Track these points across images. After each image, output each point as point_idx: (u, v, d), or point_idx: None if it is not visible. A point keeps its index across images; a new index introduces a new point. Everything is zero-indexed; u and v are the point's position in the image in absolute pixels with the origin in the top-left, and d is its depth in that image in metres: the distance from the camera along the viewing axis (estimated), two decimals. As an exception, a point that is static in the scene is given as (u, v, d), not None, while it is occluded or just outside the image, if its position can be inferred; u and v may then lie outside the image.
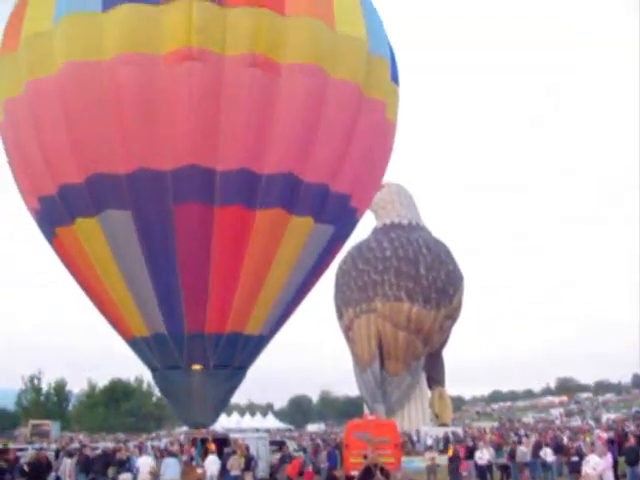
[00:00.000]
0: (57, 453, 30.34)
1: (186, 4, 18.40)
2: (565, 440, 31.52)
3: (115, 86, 18.55)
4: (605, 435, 31.90)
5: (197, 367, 21.58)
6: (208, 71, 18.52)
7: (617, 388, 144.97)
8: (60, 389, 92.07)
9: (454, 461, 26.43)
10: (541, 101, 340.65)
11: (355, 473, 19.19)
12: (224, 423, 67.73)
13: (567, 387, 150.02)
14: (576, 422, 72.47)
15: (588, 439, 30.68)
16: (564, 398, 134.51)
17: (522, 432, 47.44)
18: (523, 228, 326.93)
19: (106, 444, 37.60)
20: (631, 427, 39.53)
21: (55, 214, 20.82)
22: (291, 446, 35.73)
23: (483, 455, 26.20)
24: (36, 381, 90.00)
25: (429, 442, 41.64)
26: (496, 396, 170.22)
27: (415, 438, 44.39)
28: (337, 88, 20.01)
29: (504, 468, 27.23)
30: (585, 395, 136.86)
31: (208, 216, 19.45)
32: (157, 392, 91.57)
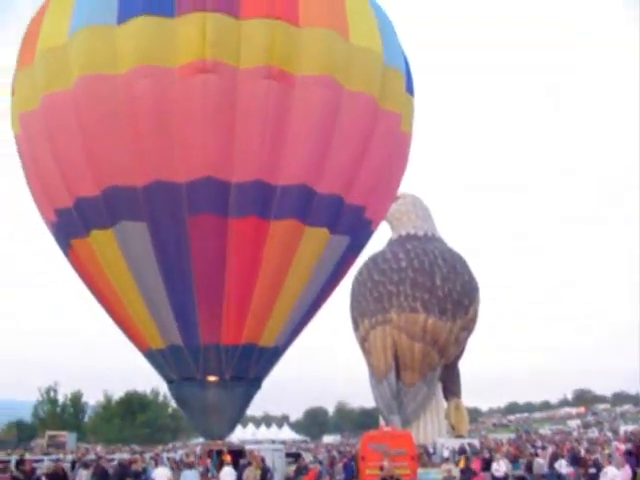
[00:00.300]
0: (73, 464, 30.35)
1: (200, 17, 18.46)
2: (582, 452, 31.28)
3: (130, 99, 18.62)
4: (623, 447, 31.59)
5: (212, 378, 21.56)
6: (222, 83, 18.57)
7: (635, 399, 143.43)
8: (76, 401, 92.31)
9: (466, 473, 26.24)
10: (541, 101, 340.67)
11: (371, 485, 19.15)
12: (240, 435, 67.71)
13: (584, 398, 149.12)
14: (594, 434, 71.89)
15: (606, 451, 30.46)
16: (581, 410, 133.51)
17: (539, 444, 47.08)
18: (523, 228, 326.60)
19: (122, 455, 37.59)
20: (649, 439, 39.06)
21: (71, 226, 20.92)
22: (307, 458, 35.66)
23: (500, 467, 26.01)
24: (52, 393, 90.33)
25: (445, 454, 41.41)
26: (513, 408, 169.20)
27: (431, 450, 44.19)
28: (352, 100, 20.02)
29: (521, 480, 27.09)
30: (603, 406, 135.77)
31: (223, 227, 19.48)
32: (173, 404, 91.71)
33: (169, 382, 23.01)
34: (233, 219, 19.43)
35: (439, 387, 51.36)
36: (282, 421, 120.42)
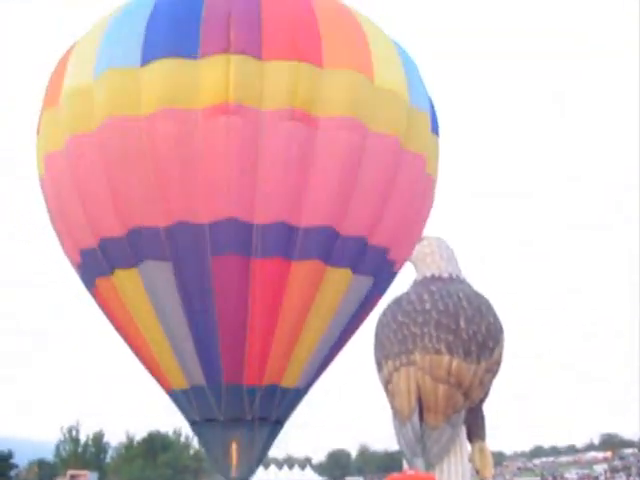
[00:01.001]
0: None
1: (224, 58, 18.58)
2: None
3: (154, 141, 18.76)
4: (651, 493, 31.15)
5: (235, 419, 21.41)
6: (246, 126, 18.64)
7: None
8: (98, 440, 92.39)
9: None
10: (548, 109, 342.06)
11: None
12: (262, 476, 67.28)
13: (611, 442, 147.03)
14: (621, 479, 70.92)
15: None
16: (608, 454, 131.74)
17: (565, 489, 46.43)
18: (529, 235, 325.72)
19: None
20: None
21: (95, 266, 20.99)
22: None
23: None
24: (74, 432, 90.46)
25: (470, 498, 40.84)
26: (538, 451, 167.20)
27: (455, 494, 43.60)
28: (376, 141, 19.99)
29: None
30: (630, 451, 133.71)
31: (246, 268, 19.46)
32: (195, 444, 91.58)
33: (192, 423, 22.88)
34: (256, 260, 19.41)
35: (463, 430, 50.65)
36: (305, 463, 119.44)
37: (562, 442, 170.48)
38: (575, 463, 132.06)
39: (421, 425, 47.75)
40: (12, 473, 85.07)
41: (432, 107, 23.07)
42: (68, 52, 21.76)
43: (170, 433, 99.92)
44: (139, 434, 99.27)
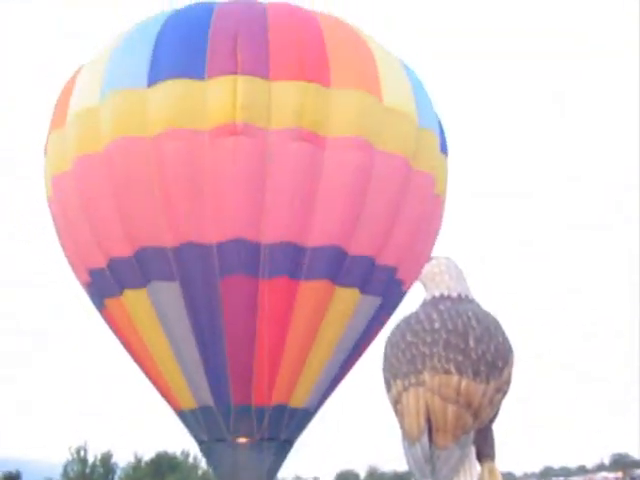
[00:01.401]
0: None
1: (231, 79, 18.68)
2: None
3: (161, 161, 18.86)
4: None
5: (243, 440, 21.31)
6: (253, 146, 18.71)
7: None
8: (106, 461, 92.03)
9: None
10: (548, 108, 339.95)
11: None
12: (271, 497, 66.95)
13: (622, 462, 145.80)
14: (632, 499, 70.46)
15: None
16: (619, 474, 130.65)
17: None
18: (529, 235, 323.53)
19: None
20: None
21: (104, 286, 21.05)
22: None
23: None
24: (82, 452, 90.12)
25: (480, 520, 40.59)
26: (548, 472, 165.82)
27: (465, 515, 43.33)
28: (384, 161, 19.96)
29: None
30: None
31: (253, 288, 19.47)
32: (203, 465, 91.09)
33: (200, 443, 22.78)
34: (264, 280, 19.41)
35: (472, 450, 50.42)
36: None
37: (572, 462, 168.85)
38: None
39: (430, 446, 47.58)
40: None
41: (440, 126, 23.03)
42: (75, 73, 21.88)
43: (178, 454, 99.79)
44: (147, 455, 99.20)
